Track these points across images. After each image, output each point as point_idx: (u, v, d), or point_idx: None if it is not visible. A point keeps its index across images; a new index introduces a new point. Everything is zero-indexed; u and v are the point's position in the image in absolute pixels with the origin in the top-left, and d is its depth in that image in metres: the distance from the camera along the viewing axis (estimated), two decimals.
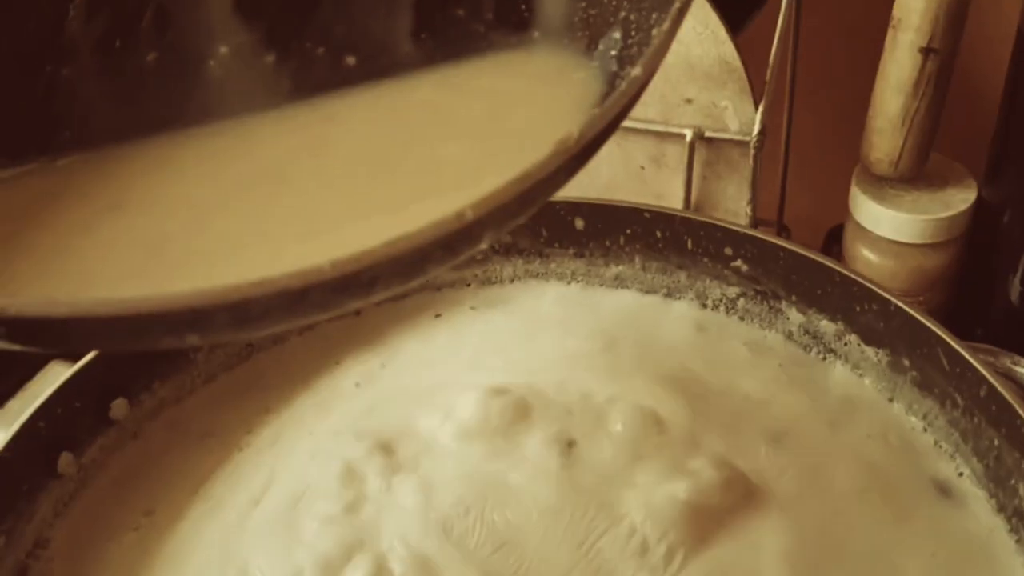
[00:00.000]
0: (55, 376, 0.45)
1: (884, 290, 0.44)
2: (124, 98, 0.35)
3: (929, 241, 0.61)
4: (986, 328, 0.67)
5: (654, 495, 0.41)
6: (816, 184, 0.73)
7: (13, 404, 0.45)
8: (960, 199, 0.64)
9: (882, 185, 0.67)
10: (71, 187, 0.32)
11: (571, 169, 0.25)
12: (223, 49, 0.35)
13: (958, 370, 0.41)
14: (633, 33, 0.31)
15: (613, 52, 0.32)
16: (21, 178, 0.32)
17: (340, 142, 0.33)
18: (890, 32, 0.60)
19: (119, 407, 0.46)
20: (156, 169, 0.33)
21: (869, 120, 0.69)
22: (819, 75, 0.72)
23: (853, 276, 0.45)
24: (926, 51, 0.59)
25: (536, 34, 0.35)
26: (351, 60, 0.35)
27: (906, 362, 0.44)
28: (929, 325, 0.42)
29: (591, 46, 0.33)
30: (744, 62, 0.57)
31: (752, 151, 0.67)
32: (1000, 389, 0.39)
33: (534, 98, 0.33)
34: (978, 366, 0.40)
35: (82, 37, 0.33)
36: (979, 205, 0.63)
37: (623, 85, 0.26)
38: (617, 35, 0.31)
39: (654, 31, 0.29)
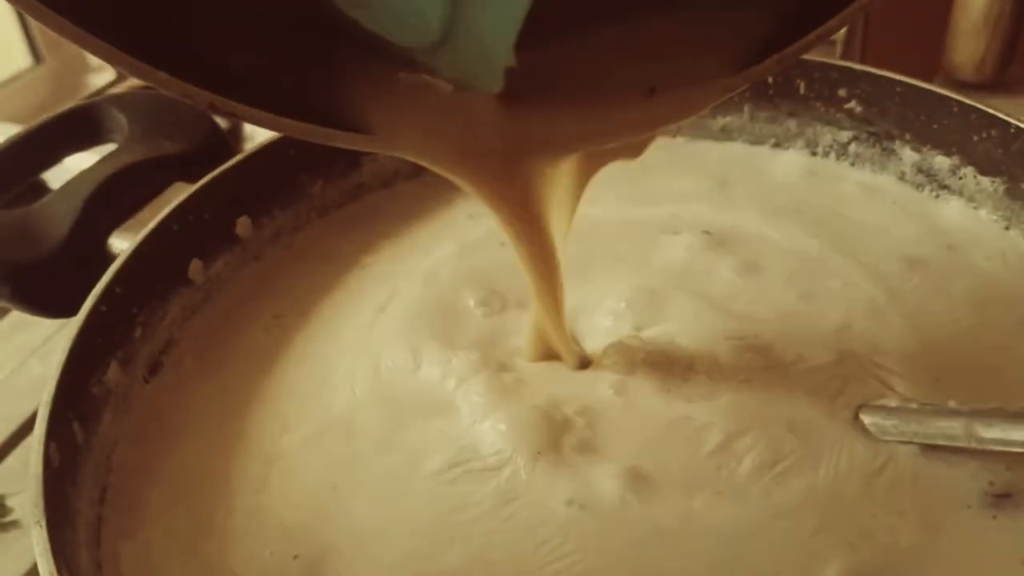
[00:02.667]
0: (182, 192, 0.46)
1: (1004, 113, 0.44)
2: None
3: None
4: None
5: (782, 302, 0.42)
6: None
7: (143, 215, 0.46)
8: None
9: (964, 92, 0.67)
10: None
11: None
12: None
13: None
14: None
15: None
16: None
17: None
18: None
19: (243, 225, 0.47)
20: None
21: (953, 23, 0.69)
22: None
23: (972, 103, 0.45)
24: None
25: None
26: None
27: None
28: None
29: None
30: None
31: (840, 48, 0.68)
32: None
33: None
34: None
35: None
36: None
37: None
38: None
39: None
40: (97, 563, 0.35)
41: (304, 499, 0.36)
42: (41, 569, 0.30)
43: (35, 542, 0.31)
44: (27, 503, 0.32)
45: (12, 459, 0.54)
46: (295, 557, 0.34)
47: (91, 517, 0.36)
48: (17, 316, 0.63)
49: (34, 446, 0.34)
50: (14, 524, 0.50)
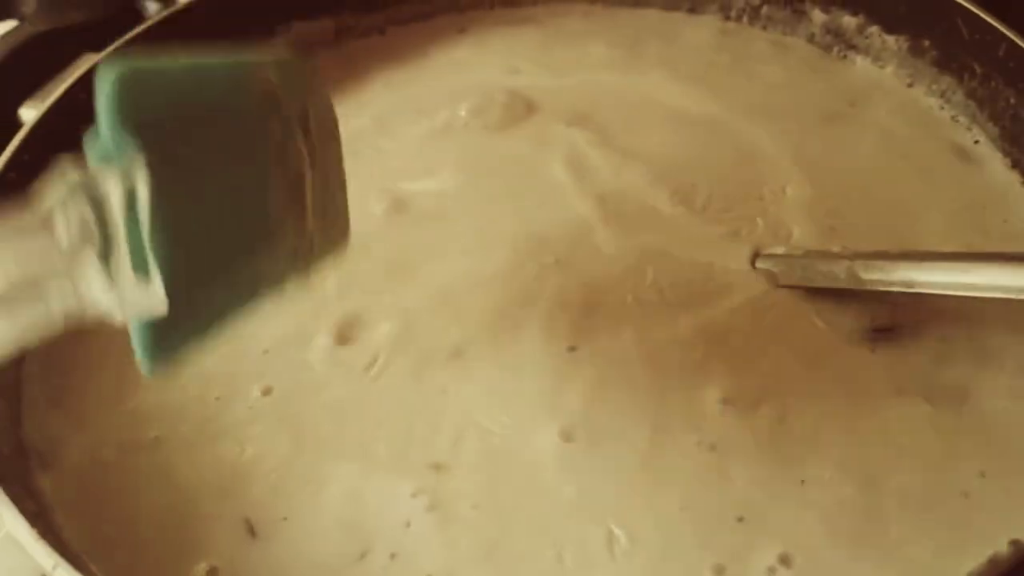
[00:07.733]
0: (88, 62, 0.45)
1: None
2: None
3: None
4: None
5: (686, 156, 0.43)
6: None
7: (52, 86, 0.46)
8: None
9: None
10: None
11: None
12: None
13: (977, 36, 0.43)
14: None
15: None
16: None
17: None
18: None
19: None
20: None
21: None
22: None
23: None
24: None
25: None
26: None
27: (926, 43, 0.45)
28: None
29: None
30: None
31: None
32: (1018, 42, 0.41)
33: None
34: (996, 25, 0.42)
35: None
36: None
37: None
38: None
39: None
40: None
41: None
42: None
43: None
44: None
45: None
46: (217, 398, 0.36)
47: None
48: None
49: None
50: None
